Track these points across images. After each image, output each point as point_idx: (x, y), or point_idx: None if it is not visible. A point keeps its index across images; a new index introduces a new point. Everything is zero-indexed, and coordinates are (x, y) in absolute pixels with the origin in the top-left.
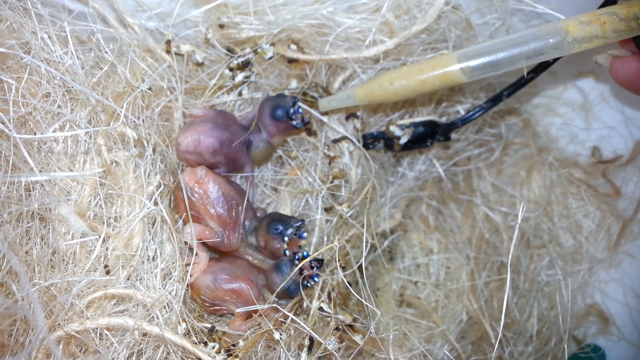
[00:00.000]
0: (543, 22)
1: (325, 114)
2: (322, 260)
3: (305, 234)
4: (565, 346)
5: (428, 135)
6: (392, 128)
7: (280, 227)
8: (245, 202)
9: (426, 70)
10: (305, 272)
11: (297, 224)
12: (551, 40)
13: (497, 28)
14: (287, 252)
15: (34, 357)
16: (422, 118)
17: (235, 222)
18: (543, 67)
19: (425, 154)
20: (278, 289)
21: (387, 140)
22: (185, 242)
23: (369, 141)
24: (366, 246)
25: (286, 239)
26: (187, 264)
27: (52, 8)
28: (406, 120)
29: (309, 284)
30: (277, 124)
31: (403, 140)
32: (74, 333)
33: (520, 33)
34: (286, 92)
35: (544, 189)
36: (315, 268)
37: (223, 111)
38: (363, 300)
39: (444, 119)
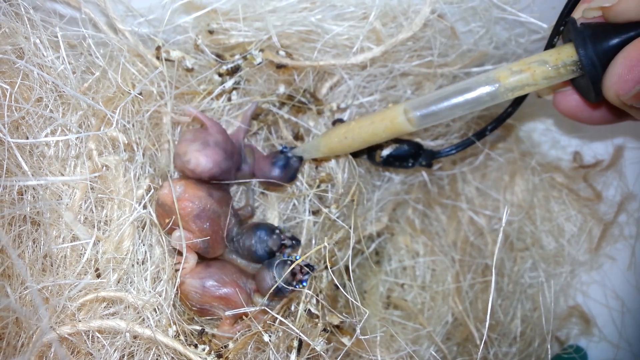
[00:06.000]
0: (526, 30)
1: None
2: (313, 267)
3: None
4: (549, 347)
5: (411, 156)
6: None
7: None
8: (229, 210)
9: (376, 123)
10: (297, 275)
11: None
12: (485, 90)
13: (481, 36)
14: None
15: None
16: (409, 137)
17: (218, 234)
18: (519, 101)
19: None
20: (268, 289)
21: (369, 150)
22: (174, 248)
23: None
24: (352, 247)
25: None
26: (177, 263)
27: (43, 13)
28: None
29: (297, 287)
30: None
31: (385, 153)
32: (66, 335)
33: (458, 84)
34: (275, 98)
35: (526, 193)
36: (306, 274)
37: (225, 132)
38: (350, 298)
39: (430, 140)
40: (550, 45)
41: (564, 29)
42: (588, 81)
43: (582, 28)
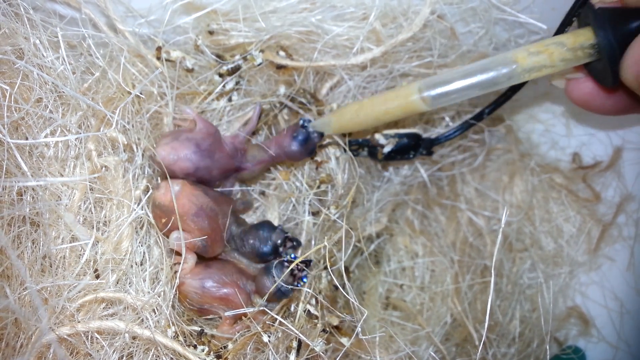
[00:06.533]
0: (525, 31)
1: None
2: (310, 260)
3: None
4: (547, 348)
5: (411, 148)
6: (377, 136)
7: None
8: (228, 208)
9: (389, 101)
10: (295, 274)
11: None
12: (502, 70)
13: (480, 37)
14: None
15: None
16: (407, 130)
17: (217, 232)
18: (520, 85)
19: None
20: (269, 292)
21: (371, 148)
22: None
23: (353, 148)
24: (352, 247)
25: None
26: (176, 263)
27: (43, 13)
28: (391, 131)
29: (298, 285)
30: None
31: (386, 150)
32: (65, 336)
33: (474, 64)
34: (276, 99)
35: (525, 194)
36: (304, 270)
37: (215, 132)
38: (350, 298)
39: (429, 126)
40: (563, 28)
41: (580, 13)
42: (606, 64)
43: (601, 11)
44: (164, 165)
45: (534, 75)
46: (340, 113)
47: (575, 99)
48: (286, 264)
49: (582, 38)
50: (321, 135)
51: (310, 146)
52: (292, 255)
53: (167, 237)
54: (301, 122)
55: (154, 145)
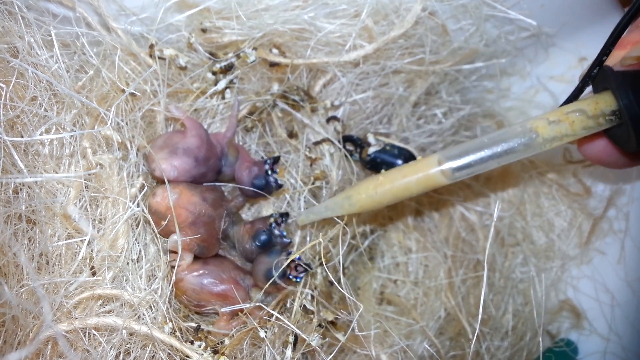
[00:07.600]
0: (515, 27)
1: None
2: (310, 266)
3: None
4: (540, 341)
5: (404, 162)
6: (369, 135)
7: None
8: (223, 211)
9: (408, 175)
10: (292, 269)
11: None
12: (522, 141)
13: (471, 33)
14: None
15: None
16: (403, 145)
17: (213, 236)
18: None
19: None
20: (263, 273)
21: (360, 146)
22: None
23: (348, 146)
24: (347, 244)
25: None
26: (172, 260)
27: (37, 12)
28: (386, 139)
29: (290, 277)
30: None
31: (372, 150)
32: (63, 333)
33: (492, 135)
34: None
35: (517, 189)
36: (302, 272)
37: (205, 136)
38: (345, 293)
39: (422, 122)
40: (578, 92)
41: (596, 76)
42: (629, 130)
43: (622, 76)
44: (164, 177)
45: (555, 144)
46: (357, 191)
47: (588, 157)
48: (286, 253)
49: (604, 104)
50: (277, 184)
51: (265, 191)
52: (297, 257)
53: (165, 237)
54: (266, 163)
55: (148, 144)
